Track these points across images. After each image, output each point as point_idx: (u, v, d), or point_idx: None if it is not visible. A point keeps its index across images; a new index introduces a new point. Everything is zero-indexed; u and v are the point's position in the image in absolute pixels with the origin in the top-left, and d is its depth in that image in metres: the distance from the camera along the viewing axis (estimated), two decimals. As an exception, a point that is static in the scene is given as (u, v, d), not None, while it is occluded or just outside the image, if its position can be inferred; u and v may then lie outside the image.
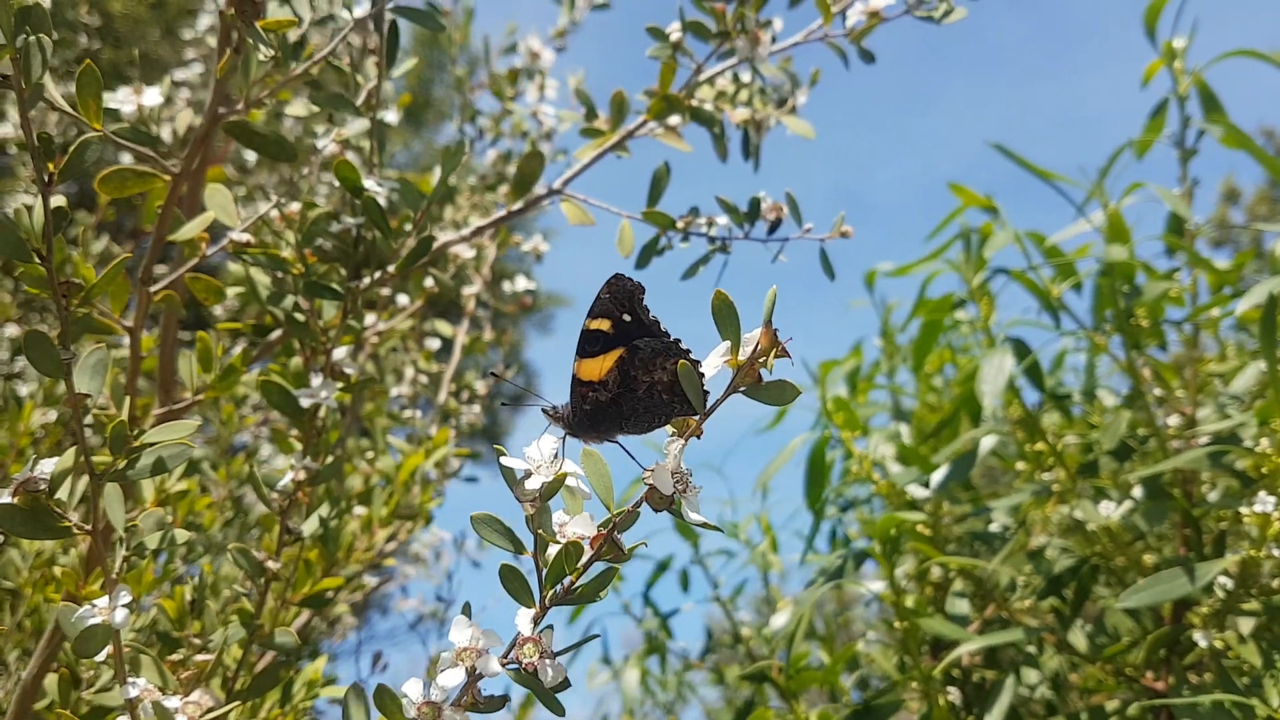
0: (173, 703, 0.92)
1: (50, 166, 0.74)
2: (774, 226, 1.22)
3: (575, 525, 0.75)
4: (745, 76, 1.29)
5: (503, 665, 0.75)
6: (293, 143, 0.97)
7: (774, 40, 1.20)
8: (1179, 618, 1.61)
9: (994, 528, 1.95)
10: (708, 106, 1.24)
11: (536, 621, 0.76)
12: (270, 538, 1.06)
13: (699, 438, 0.72)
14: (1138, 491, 1.70)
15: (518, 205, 1.22)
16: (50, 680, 1.12)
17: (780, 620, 2.22)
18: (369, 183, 1.03)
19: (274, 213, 1.06)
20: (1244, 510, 1.46)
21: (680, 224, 1.24)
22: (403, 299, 1.89)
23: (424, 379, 2.00)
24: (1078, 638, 1.71)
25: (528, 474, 0.72)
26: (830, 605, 2.85)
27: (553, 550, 0.74)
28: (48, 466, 0.81)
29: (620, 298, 0.82)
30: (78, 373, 0.80)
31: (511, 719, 2.45)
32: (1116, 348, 1.80)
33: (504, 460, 0.72)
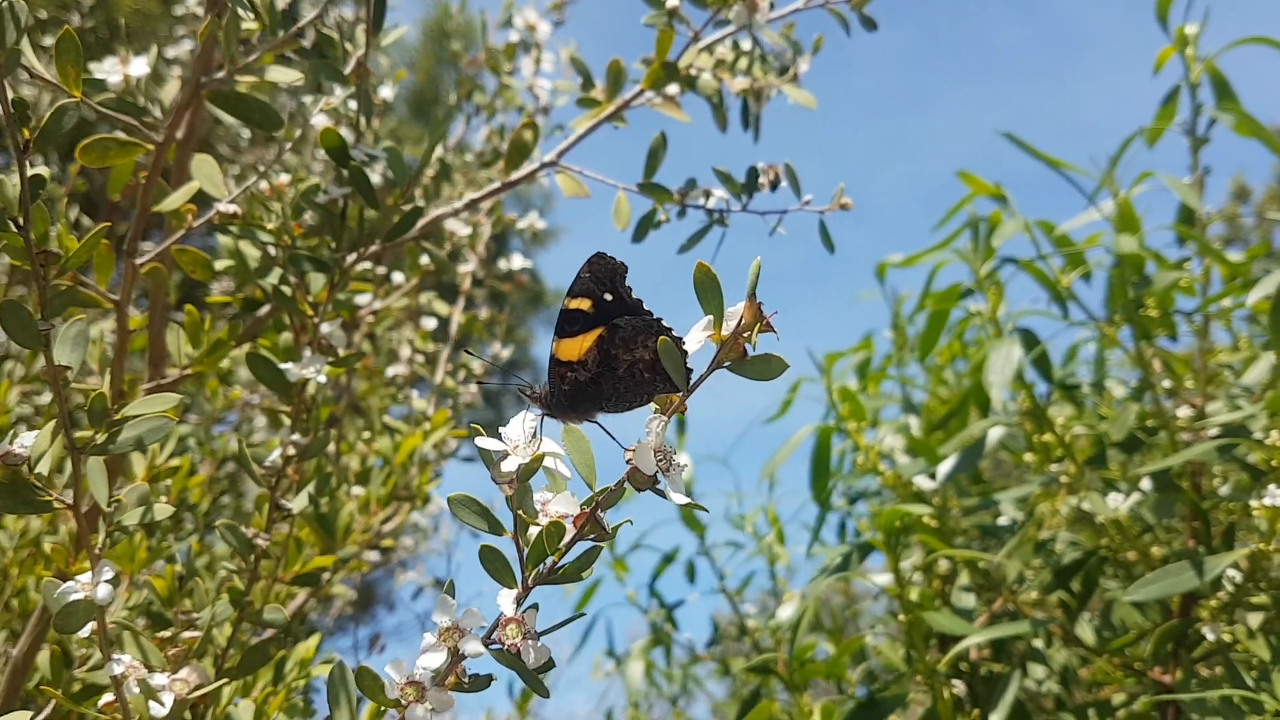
0: (159, 679, 0.92)
1: (25, 133, 0.73)
2: (773, 186, 1.20)
3: (557, 504, 0.74)
4: (745, 44, 1.27)
5: (485, 646, 0.74)
6: (278, 111, 0.96)
7: (772, 6, 1.18)
8: (1187, 611, 1.59)
9: (1002, 520, 1.93)
10: (706, 75, 1.22)
11: (519, 602, 0.74)
12: (260, 515, 1.05)
13: (682, 414, 0.71)
14: (1146, 484, 1.68)
15: (512, 177, 1.20)
16: (42, 658, 1.12)
17: (786, 612, 2.21)
18: (356, 152, 1.01)
19: (262, 185, 1.04)
20: (1253, 503, 1.44)
21: (677, 196, 1.22)
22: (398, 277, 1.89)
23: (420, 359, 2.00)
24: (1085, 631, 1.69)
25: (505, 454, 0.71)
26: (838, 598, 2.83)
27: (534, 531, 0.73)
28: (28, 440, 0.80)
29: (602, 277, 0.80)
30: (58, 345, 0.79)
31: (513, 706, 2.44)
32: (1126, 338, 1.78)
33: (480, 440, 0.71)
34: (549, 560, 0.73)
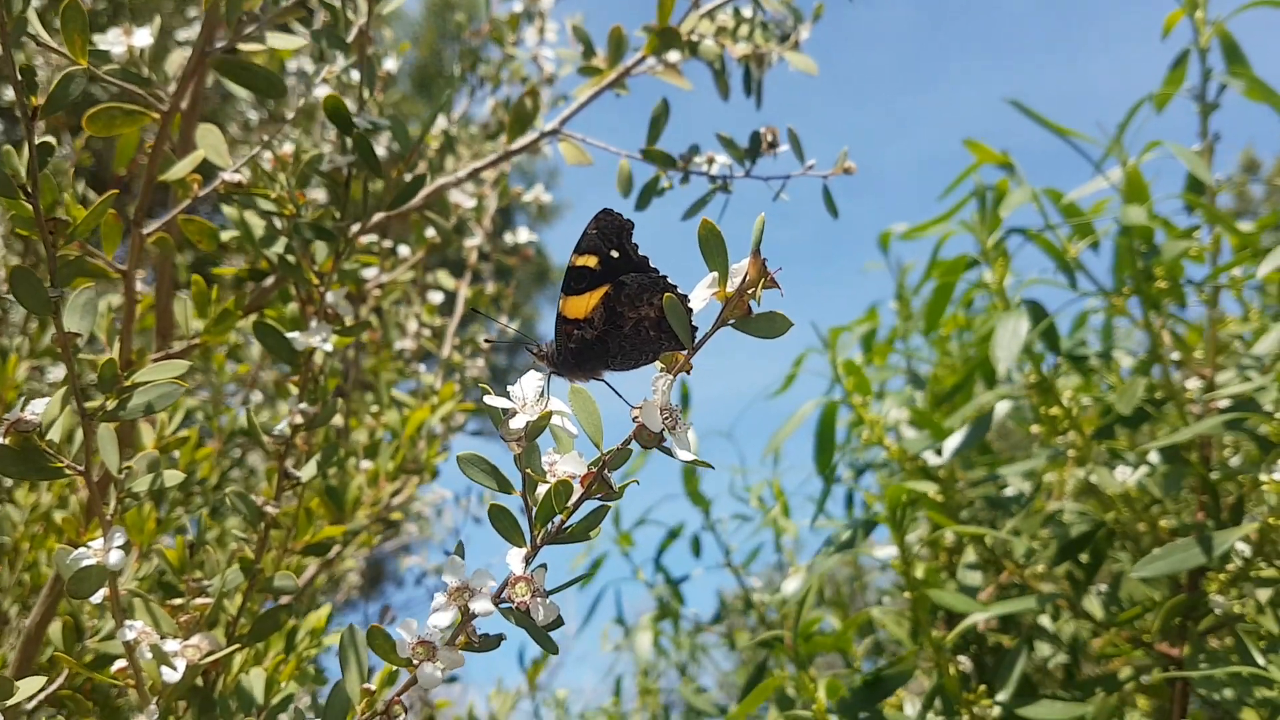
0: (171, 645, 0.93)
1: (33, 101, 0.74)
2: (771, 145, 1.20)
3: (565, 464, 0.75)
4: (746, 11, 1.27)
5: (495, 605, 0.74)
6: (282, 79, 0.96)
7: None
8: (1195, 585, 1.59)
9: (1010, 492, 1.93)
10: (708, 42, 1.22)
11: (528, 561, 0.75)
12: (270, 484, 1.05)
13: (688, 373, 0.71)
14: (1155, 457, 1.67)
15: (515, 145, 1.21)
16: (54, 629, 1.13)
17: (792, 586, 2.22)
18: (359, 120, 1.02)
19: (266, 155, 1.05)
20: (1263, 477, 1.43)
21: (680, 163, 1.22)
22: (404, 250, 1.89)
23: (427, 333, 2.00)
24: (1093, 604, 1.69)
25: (513, 413, 0.72)
26: (844, 570, 2.84)
27: (542, 489, 0.73)
28: (39, 407, 0.81)
29: (608, 233, 0.80)
30: (67, 312, 0.80)
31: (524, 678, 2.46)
32: (1135, 308, 1.77)
33: (488, 399, 0.72)
34: (557, 519, 0.74)
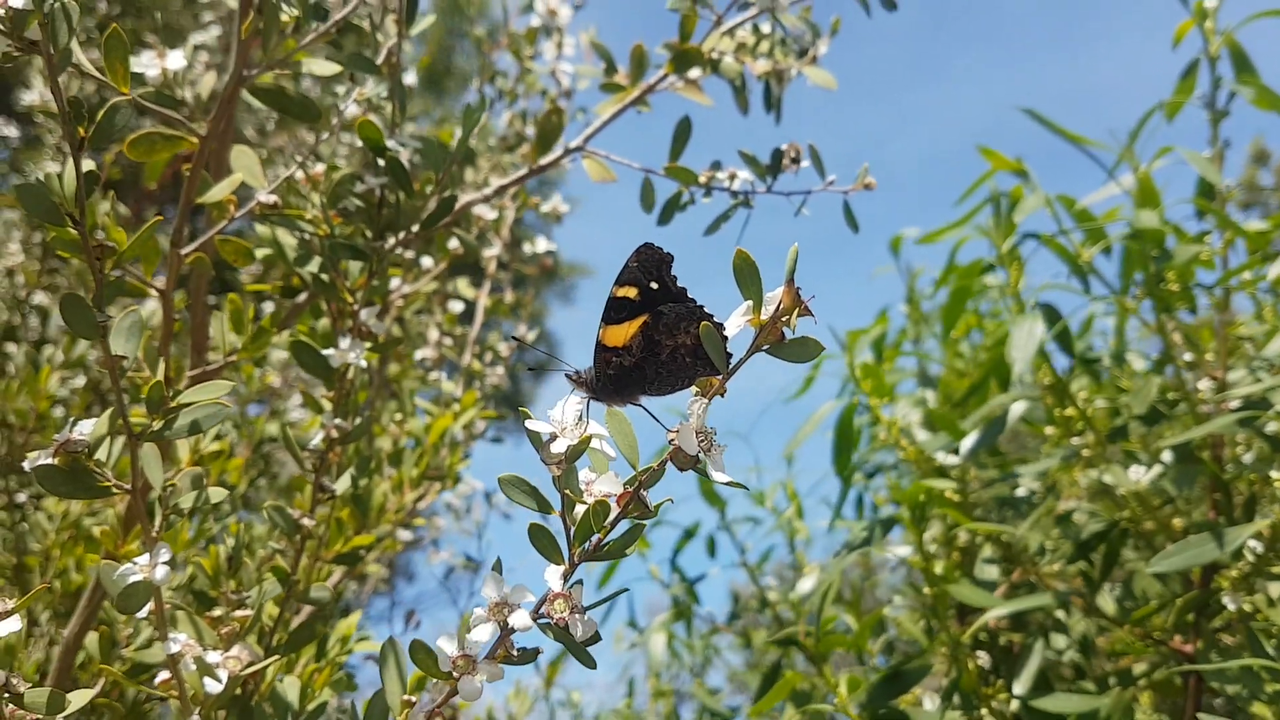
0: (213, 657, 0.95)
1: (81, 130, 0.76)
2: (794, 160, 1.21)
3: (602, 484, 0.76)
4: (765, 27, 1.28)
5: (534, 621, 0.76)
6: (316, 104, 0.98)
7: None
8: (1207, 581, 1.61)
9: (1021, 492, 1.95)
10: (729, 59, 1.23)
11: (566, 578, 0.77)
12: (303, 497, 1.08)
13: (722, 396, 0.73)
14: (1168, 456, 1.69)
15: (539, 163, 1.22)
16: (90, 639, 1.15)
17: (807, 585, 2.24)
18: (391, 142, 1.03)
19: (299, 175, 1.07)
20: (1274, 474, 1.45)
21: (702, 179, 1.24)
22: (426, 261, 1.91)
23: (448, 341, 2.02)
24: (1106, 601, 1.71)
25: (553, 436, 0.73)
26: (856, 570, 2.86)
27: (580, 509, 0.75)
28: (86, 427, 0.83)
29: (649, 266, 0.83)
30: (113, 335, 0.82)
31: (541, 679, 2.48)
32: (1146, 312, 1.79)
33: (530, 424, 0.73)
34: (594, 537, 0.76)
